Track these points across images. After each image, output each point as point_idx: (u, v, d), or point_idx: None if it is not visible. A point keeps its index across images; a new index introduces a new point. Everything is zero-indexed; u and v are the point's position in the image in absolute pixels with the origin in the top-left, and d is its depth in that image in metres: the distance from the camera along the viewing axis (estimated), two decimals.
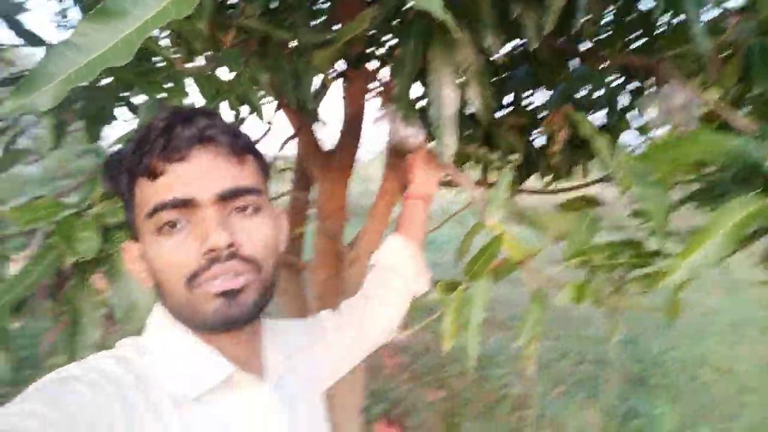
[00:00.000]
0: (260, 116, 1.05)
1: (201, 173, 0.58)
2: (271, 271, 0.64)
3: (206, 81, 0.93)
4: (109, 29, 0.52)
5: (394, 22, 1.20)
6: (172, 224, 0.58)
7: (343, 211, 1.86)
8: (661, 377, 3.80)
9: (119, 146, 0.71)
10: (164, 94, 0.88)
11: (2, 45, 1.22)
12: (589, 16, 1.38)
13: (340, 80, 1.68)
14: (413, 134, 1.18)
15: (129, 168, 0.61)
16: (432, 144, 1.13)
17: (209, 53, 1.03)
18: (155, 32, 1.07)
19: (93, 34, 0.52)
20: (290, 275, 2.17)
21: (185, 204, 0.58)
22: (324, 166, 1.80)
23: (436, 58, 1.09)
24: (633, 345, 4.34)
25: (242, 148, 0.63)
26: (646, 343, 4.39)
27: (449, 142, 1.10)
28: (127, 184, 0.62)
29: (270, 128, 1.23)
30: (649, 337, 4.50)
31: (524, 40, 1.82)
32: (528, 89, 1.90)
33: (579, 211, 1.07)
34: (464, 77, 1.10)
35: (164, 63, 0.97)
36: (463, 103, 1.42)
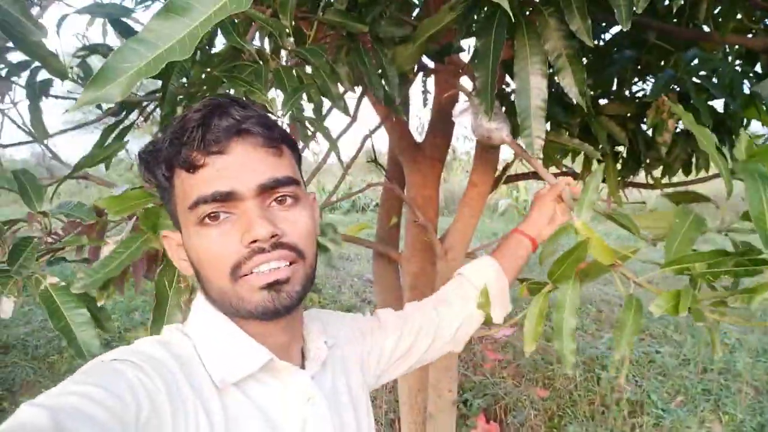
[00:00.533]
0: (342, 109, 1.08)
1: (240, 166, 0.60)
2: (313, 259, 0.66)
3: (286, 75, 0.97)
4: (175, 25, 0.55)
5: (476, 16, 1.17)
6: (214, 216, 0.60)
7: (435, 202, 1.86)
8: None
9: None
10: (246, 88, 0.92)
11: (112, 48, 1.34)
12: None
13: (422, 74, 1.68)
14: (497, 129, 1.15)
15: (167, 159, 0.61)
16: (520, 139, 1.09)
17: (294, 48, 1.08)
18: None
19: (160, 30, 0.55)
20: (385, 265, 2.21)
21: (226, 197, 0.59)
22: (414, 157, 1.81)
23: (524, 46, 1.06)
24: (766, 356, 3.92)
25: (278, 139, 0.63)
26: None
27: (538, 134, 1.06)
28: (166, 175, 0.63)
29: (353, 120, 1.26)
30: None
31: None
32: (633, 76, 1.78)
33: (682, 208, 0.97)
34: (556, 64, 1.05)
35: (250, 60, 1.03)
36: (556, 93, 1.36)
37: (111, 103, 0.55)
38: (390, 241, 2.24)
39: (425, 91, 1.77)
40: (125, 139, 1.19)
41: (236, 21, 1.04)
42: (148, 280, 0.91)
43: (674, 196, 1.21)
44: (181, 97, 1.14)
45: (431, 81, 1.92)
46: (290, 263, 0.62)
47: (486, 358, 3.76)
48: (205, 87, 1.11)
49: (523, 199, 10.54)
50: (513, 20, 1.03)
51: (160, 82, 1.12)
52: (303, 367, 0.72)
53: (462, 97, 1.81)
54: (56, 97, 1.28)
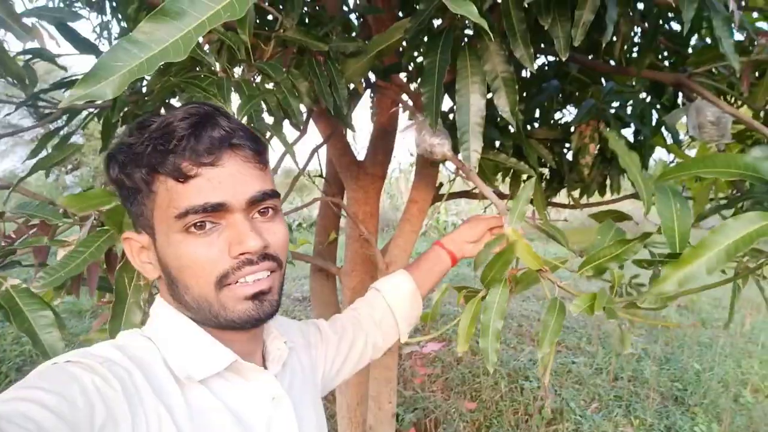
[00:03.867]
0: (298, 123, 1.11)
1: (232, 178, 0.61)
2: (284, 268, 0.69)
3: (248, 87, 1.00)
4: (169, 28, 0.56)
5: (425, 38, 1.24)
6: (200, 225, 0.60)
7: (376, 218, 1.90)
8: (701, 397, 3.70)
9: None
10: (209, 98, 0.93)
11: (58, 55, 1.29)
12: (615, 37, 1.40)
13: (370, 91, 1.73)
14: (439, 143, 1.20)
15: (150, 164, 0.60)
16: (461, 155, 1.15)
17: (251, 62, 1.10)
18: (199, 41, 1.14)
19: (154, 32, 0.55)
20: (323, 281, 2.22)
21: (217, 208, 0.60)
22: (356, 174, 1.85)
23: (465, 67, 1.13)
24: (670, 363, 4.24)
25: (263, 152, 0.66)
26: (684, 361, 4.28)
27: (475, 149, 1.13)
28: (146, 180, 0.61)
29: (303, 134, 1.28)
30: (686, 356, 4.39)
31: (554, 58, 1.86)
32: (558, 105, 1.93)
33: (605, 224, 1.06)
34: (493, 85, 1.13)
35: (207, 71, 1.04)
36: (491, 116, 1.45)
37: (102, 99, 0.55)
38: (328, 256, 2.26)
39: (373, 107, 1.83)
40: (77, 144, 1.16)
41: None
42: (105, 290, 0.89)
43: (599, 215, 1.32)
44: (129, 106, 1.13)
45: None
46: (270, 272, 0.64)
47: (416, 373, 3.83)
48: (159, 95, 1.10)
49: (443, 220, 10.81)
50: (457, 42, 1.10)
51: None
52: (265, 367, 0.73)
53: (402, 117, 1.89)
54: None
